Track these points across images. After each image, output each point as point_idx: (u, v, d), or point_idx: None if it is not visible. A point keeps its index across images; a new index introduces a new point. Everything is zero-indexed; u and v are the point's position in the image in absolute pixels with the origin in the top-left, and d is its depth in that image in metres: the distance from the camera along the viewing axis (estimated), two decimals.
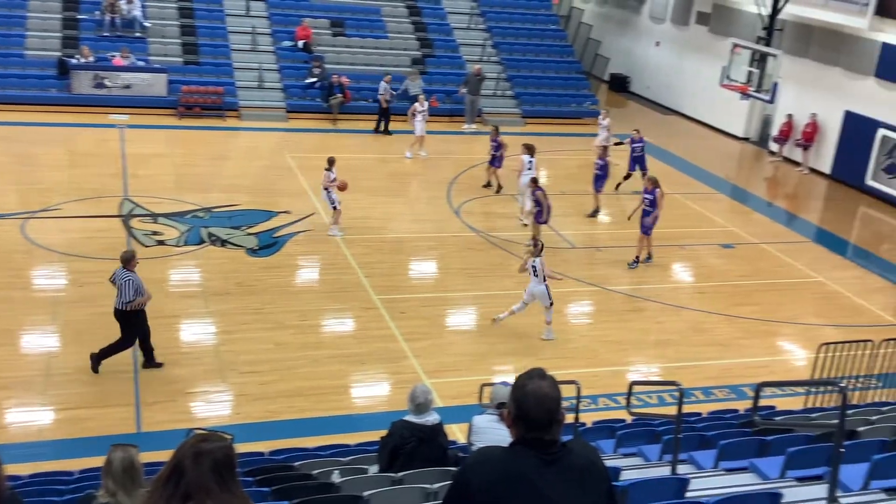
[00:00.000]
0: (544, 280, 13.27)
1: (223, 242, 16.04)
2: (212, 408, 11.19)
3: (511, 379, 8.42)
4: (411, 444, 6.63)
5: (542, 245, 13.72)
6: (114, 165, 19.54)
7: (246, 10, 27.00)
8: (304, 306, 13.94)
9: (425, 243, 17.11)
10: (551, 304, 13.39)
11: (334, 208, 16.70)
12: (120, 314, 11.23)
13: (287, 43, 26.46)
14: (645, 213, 16.18)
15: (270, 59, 26.09)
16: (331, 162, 16.72)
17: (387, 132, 24.12)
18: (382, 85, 24.15)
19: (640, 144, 20.35)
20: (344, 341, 13.11)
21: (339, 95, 24.73)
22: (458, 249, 16.82)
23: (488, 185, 20.19)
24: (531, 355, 12.94)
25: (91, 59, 23.82)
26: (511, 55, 28.53)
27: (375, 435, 8.00)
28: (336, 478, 6.91)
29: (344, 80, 24.97)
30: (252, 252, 15.80)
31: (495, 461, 3.20)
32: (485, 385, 10.67)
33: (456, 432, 10.12)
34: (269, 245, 16.12)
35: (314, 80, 25.25)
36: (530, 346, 13.30)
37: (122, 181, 18.59)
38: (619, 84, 31.86)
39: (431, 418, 6.77)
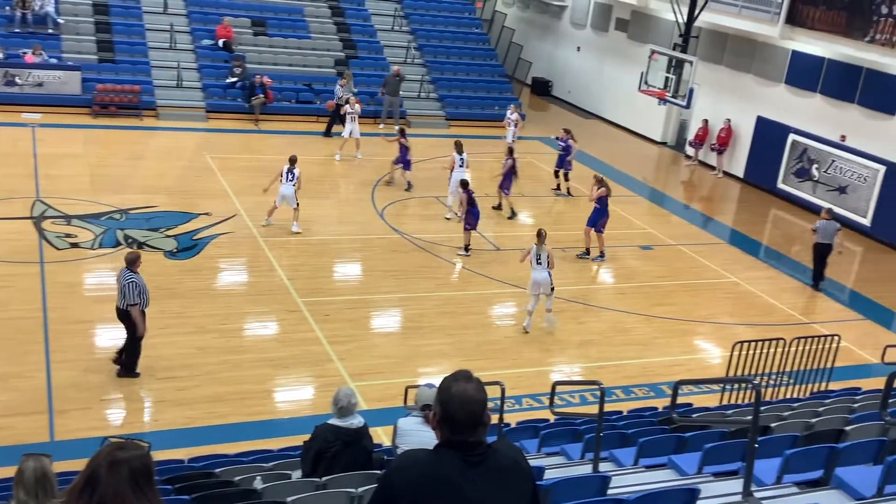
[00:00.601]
0: (548, 266, 13.83)
1: (140, 245, 15.63)
2: (128, 415, 10.89)
3: (436, 381, 8.42)
4: (335, 447, 6.57)
5: (545, 233, 14.13)
6: (25, 165, 18.85)
7: (164, 7, 26.39)
8: (225, 310, 13.69)
9: (350, 245, 17.01)
10: (553, 289, 13.96)
11: (296, 206, 16.90)
12: (124, 314, 11.21)
13: (207, 42, 25.96)
14: (599, 213, 17.14)
15: (189, 57, 25.56)
16: (292, 161, 17.03)
17: (328, 134, 24.04)
18: (339, 88, 24.12)
19: (563, 143, 20.93)
20: (267, 345, 12.92)
21: (261, 96, 24.39)
22: (382, 252, 16.77)
23: (390, 182, 20.70)
24: (456, 356, 12.99)
25: (1, 55, 22.94)
26: (435, 58, 28.61)
27: (299, 439, 7.91)
28: (258, 484, 6.80)
29: (266, 80, 24.64)
30: (171, 255, 15.45)
31: (420, 464, 3.19)
32: (410, 387, 10.66)
33: (381, 435, 10.08)
34: (188, 247, 15.79)
35: (235, 79, 24.84)
36: (455, 348, 13.35)
37: (33, 182, 17.94)
38: (542, 88, 32.28)
39: (356, 421, 6.73)
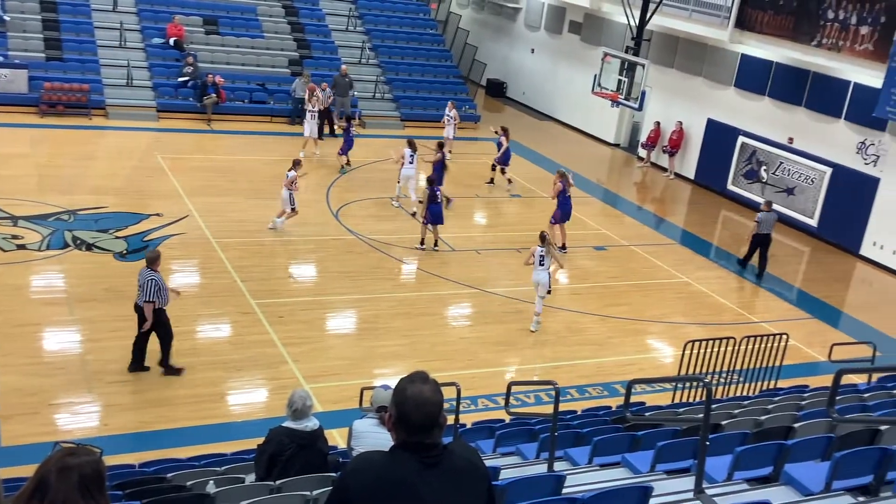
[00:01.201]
0: (549, 268, 14.26)
1: (89, 246, 15.34)
2: (78, 419, 10.67)
3: (392, 382, 8.40)
4: (290, 450, 6.51)
5: (548, 235, 14.57)
6: None
7: (113, 5, 25.93)
8: (177, 312, 13.41)
9: (304, 246, 16.89)
10: (549, 292, 14.36)
11: (293, 209, 17.06)
12: (141, 311, 11.34)
13: (157, 40, 25.59)
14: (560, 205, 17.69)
15: (140, 56, 25.16)
16: (295, 163, 17.19)
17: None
18: (318, 93, 23.92)
19: (498, 141, 21.36)
20: (220, 347, 12.77)
21: (213, 95, 24.11)
22: (337, 252, 16.69)
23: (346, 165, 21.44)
24: (412, 358, 12.98)
25: None
26: (390, 58, 28.56)
27: (253, 443, 7.84)
28: (211, 488, 6.71)
29: (218, 79, 24.36)
30: (121, 256, 15.18)
31: (375, 466, 3.17)
32: (365, 389, 10.63)
33: (336, 437, 10.03)
34: (139, 249, 15.52)
35: (186, 78, 24.52)
36: (410, 349, 13.33)
37: None
38: (496, 89, 32.41)
39: (311, 424, 6.68)
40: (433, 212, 16.92)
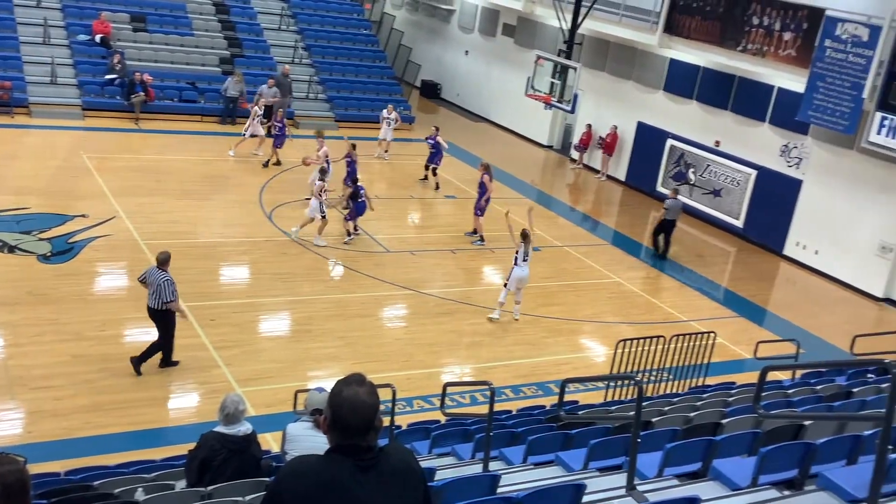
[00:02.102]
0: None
1: (11, 248, 14.85)
2: (0, 427, 10.31)
3: (327, 385, 8.33)
4: (222, 455, 6.40)
5: (530, 233, 14.85)
6: None
7: (37, 0, 25.16)
8: (104, 316, 13.15)
9: (236, 248, 16.63)
10: (505, 284, 14.94)
11: (323, 218, 16.90)
12: (157, 313, 11.51)
13: (83, 37, 24.91)
14: (480, 196, 18.21)
15: (64, 53, 24.45)
16: (323, 171, 17.21)
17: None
18: (263, 88, 23.73)
19: (432, 141, 21.49)
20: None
21: (141, 94, 23.58)
22: (270, 254, 16.48)
23: (277, 163, 21.51)
24: (346, 359, 12.90)
25: None
26: (323, 58, 28.35)
27: (184, 449, 7.68)
28: (140, 496, 6.55)
29: (146, 77, 23.85)
30: (44, 258, 14.73)
31: (310, 470, 3.14)
32: (299, 392, 10.52)
33: (270, 441, 9.90)
34: (63, 251, 15.09)
35: (113, 76, 23.92)
36: (345, 351, 13.24)
37: None
38: (431, 90, 32.45)
39: (243, 428, 6.57)
40: (357, 208, 17.29)
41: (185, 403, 11.50)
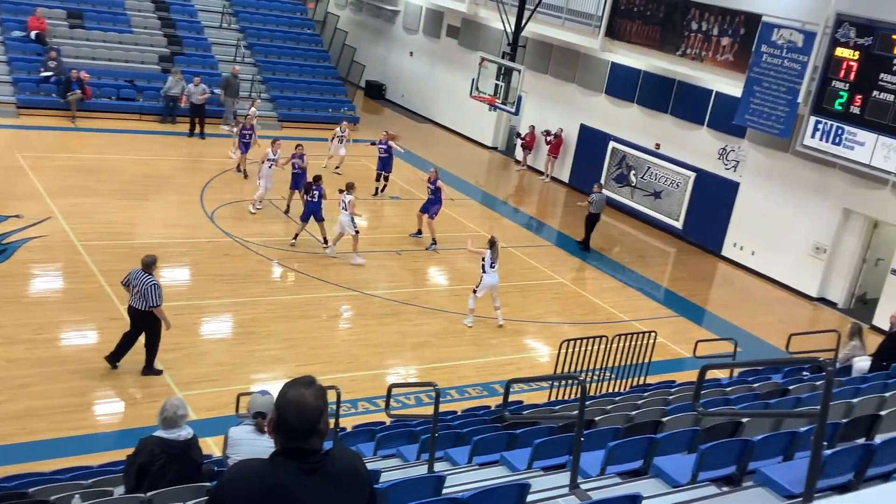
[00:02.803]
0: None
1: None
2: None
3: (271, 387, 8.23)
4: (161, 460, 6.28)
5: (498, 241, 15.10)
6: None
7: None
8: (39, 319, 12.81)
9: (177, 249, 16.34)
10: (474, 291, 15.09)
11: (356, 232, 16.66)
12: (140, 315, 11.50)
13: (18, 33, 24.23)
14: (432, 202, 18.22)
15: None
16: (349, 187, 16.91)
17: (201, 136, 23.18)
18: (190, 87, 23.20)
19: (385, 146, 21.11)
20: (86, 355, 12.17)
21: (78, 92, 23.04)
22: (212, 255, 16.24)
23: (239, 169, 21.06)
24: (291, 362, 12.78)
25: None
26: (266, 57, 28.04)
27: (122, 454, 7.51)
28: (77, 502, 6.40)
29: (83, 75, 23.31)
30: None
31: (253, 474, 3.10)
32: (242, 395, 10.38)
33: (211, 446, 9.75)
34: None
35: (49, 74, 23.33)
36: (289, 353, 13.12)
37: None
38: (375, 91, 32.35)
39: (183, 433, 6.46)
40: (307, 208, 17.19)
41: (124, 408, 11.26)
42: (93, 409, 11.04)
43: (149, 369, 11.85)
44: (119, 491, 6.66)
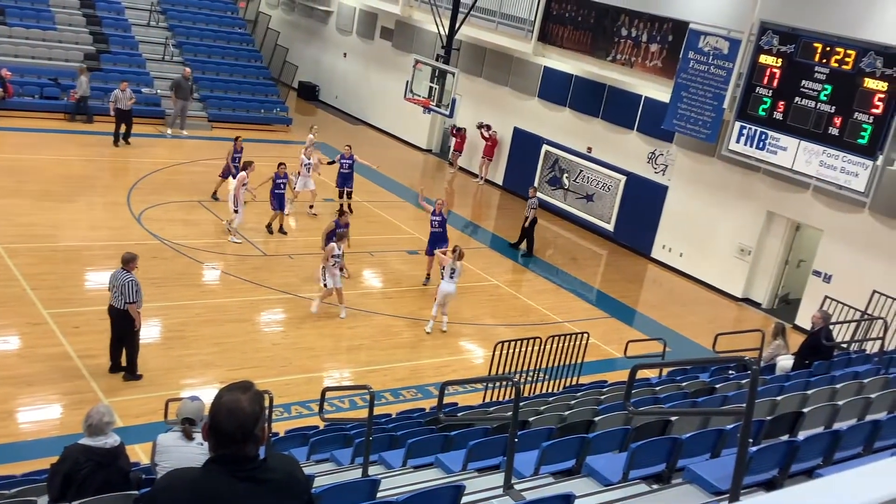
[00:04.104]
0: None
1: None
2: None
3: (201, 392, 8.08)
4: (86, 469, 6.10)
5: (461, 251, 15.09)
6: None
7: None
8: None
9: (102, 252, 15.91)
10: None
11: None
12: (122, 314, 11.39)
13: None
14: (438, 238, 16.99)
15: None
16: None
17: (126, 141, 22.44)
18: (115, 93, 22.26)
19: (349, 161, 20.34)
20: (7, 361, 11.78)
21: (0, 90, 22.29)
22: (140, 259, 15.80)
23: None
24: (222, 366, 12.57)
25: None
26: (196, 56, 27.56)
27: (46, 462, 7.28)
28: None
29: (4, 72, 22.56)
30: None
31: (185, 482, 3.03)
32: (171, 400, 10.17)
33: (139, 453, 9.52)
34: None
35: None
36: (221, 357, 12.90)
37: None
38: (308, 92, 32.07)
39: (110, 440, 6.29)
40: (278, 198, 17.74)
41: (47, 415, 10.91)
42: (15, 416, 10.68)
43: (131, 374, 11.71)
44: (43, 501, 6.46)
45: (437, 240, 16.96)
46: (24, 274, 14.19)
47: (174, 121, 24.31)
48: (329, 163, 20.74)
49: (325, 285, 14.81)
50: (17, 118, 22.59)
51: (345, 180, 20.51)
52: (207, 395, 7.17)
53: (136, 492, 6.14)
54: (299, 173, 19.35)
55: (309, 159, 19.27)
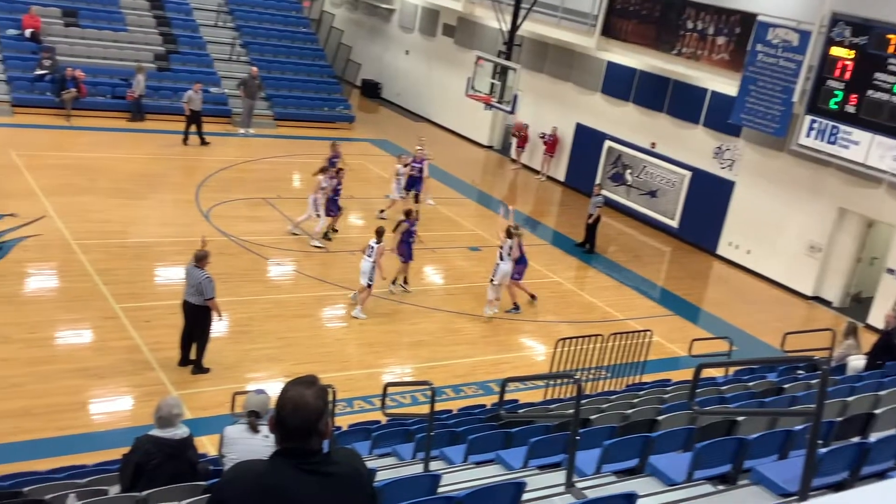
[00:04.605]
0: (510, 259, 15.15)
1: None
2: None
3: (266, 386, 8.22)
4: (156, 459, 6.27)
5: (510, 228, 15.40)
6: None
7: None
8: (33, 318, 12.78)
9: (172, 248, 16.30)
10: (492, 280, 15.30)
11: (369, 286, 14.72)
12: (196, 309, 11.71)
13: (12, 31, 24.17)
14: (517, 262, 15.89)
15: None
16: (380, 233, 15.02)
17: (204, 141, 22.84)
18: (188, 93, 22.74)
19: (418, 164, 19.96)
20: (81, 354, 12.16)
21: (73, 90, 22.98)
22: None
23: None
24: (285, 361, 12.77)
25: None
26: (262, 56, 28.00)
27: (118, 453, 7.50)
28: (72, 501, 6.39)
29: (78, 73, 23.25)
30: None
31: (252, 475, 3.09)
32: (237, 394, 10.38)
33: (207, 445, 9.74)
34: None
35: (44, 72, 23.27)
36: (284, 352, 13.10)
37: None
38: (371, 90, 32.32)
39: (179, 432, 6.45)
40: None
41: (118, 407, 11.23)
42: (88, 408, 11.02)
43: (198, 368, 11.99)
44: (114, 490, 6.65)
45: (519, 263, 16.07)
46: (97, 269, 14.62)
47: (243, 119, 24.73)
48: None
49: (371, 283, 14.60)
50: (90, 118, 23.27)
51: (412, 183, 19.94)
52: (272, 388, 7.30)
53: (204, 482, 6.29)
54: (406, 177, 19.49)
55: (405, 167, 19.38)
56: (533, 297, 16.41)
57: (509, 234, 15.31)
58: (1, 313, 12.68)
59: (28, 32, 24.12)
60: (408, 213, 16.11)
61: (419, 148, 20.37)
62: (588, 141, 24.35)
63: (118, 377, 11.68)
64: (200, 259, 11.74)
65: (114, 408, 11.19)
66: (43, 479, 7.88)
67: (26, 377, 11.21)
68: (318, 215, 17.35)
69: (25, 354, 11.75)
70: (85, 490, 6.88)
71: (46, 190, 17.70)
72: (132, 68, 24.86)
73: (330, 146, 19.89)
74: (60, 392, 11.05)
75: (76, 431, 10.41)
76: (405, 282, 16.06)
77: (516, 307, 15.93)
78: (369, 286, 14.63)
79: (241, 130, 24.44)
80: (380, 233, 14.85)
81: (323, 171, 17.86)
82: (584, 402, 8.32)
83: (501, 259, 15.22)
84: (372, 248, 14.54)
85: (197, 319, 11.88)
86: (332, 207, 17.74)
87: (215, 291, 11.82)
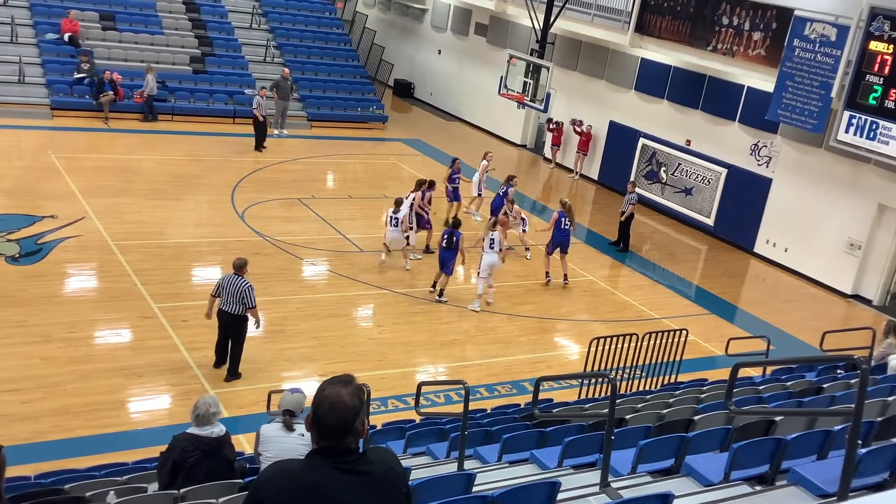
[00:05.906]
0: (500, 251, 15.37)
1: None
2: None
3: (301, 385, 8.28)
4: (194, 457, 6.35)
5: (496, 220, 15.88)
6: None
7: None
8: (73, 317, 12.99)
9: (208, 248, 16.50)
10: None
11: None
12: (233, 319, 11.67)
13: (51, 35, 24.60)
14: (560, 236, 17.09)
15: (32, 52, 24.13)
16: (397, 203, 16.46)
17: (260, 147, 23.02)
18: (256, 99, 22.96)
19: (503, 191, 19.34)
20: (119, 353, 12.34)
21: (111, 93, 23.33)
22: (243, 254, 16.27)
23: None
24: (320, 360, 12.85)
25: None
26: (295, 57, 28.21)
27: (156, 451, 7.60)
28: (112, 498, 6.49)
29: (116, 76, 23.60)
30: (13, 260, 14.52)
31: (289, 474, 3.12)
32: (273, 392, 10.46)
33: (243, 443, 9.84)
34: (32, 252, 14.89)
35: (82, 75, 23.65)
36: (319, 351, 13.18)
37: None
38: (404, 90, 32.41)
39: (216, 430, 6.52)
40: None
41: (156, 405, 11.38)
42: (127, 406, 11.17)
43: (233, 374, 11.95)
44: (153, 487, 6.75)
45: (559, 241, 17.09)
46: (135, 269, 14.83)
47: (276, 121, 24.90)
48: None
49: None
50: (127, 120, 23.60)
51: (455, 195, 19.71)
52: (307, 387, 7.35)
53: (240, 480, 6.35)
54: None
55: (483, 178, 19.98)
56: (556, 279, 17.06)
57: (493, 225, 15.67)
58: (41, 313, 12.91)
59: (66, 36, 24.53)
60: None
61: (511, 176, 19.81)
62: (622, 139, 24.19)
63: (156, 376, 11.83)
64: (240, 268, 11.70)
65: (152, 406, 11.34)
66: (83, 476, 8.01)
67: (66, 376, 11.41)
68: (412, 228, 17.08)
69: (65, 354, 11.95)
70: (124, 487, 6.98)
71: (85, 191, 17.98)
72: (170, 71, 25.19)
73: (451, 161, 19.89)
74: (100, 391, 11.22)
75: (115, 430, 10.56)
76: (433, 286, 15.98)
77: (565, 279, 17.02)
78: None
79: (275, 131, 24.60)
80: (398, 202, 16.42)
81: (429, 186, 17.65)
82: (618, 401, 8.27)
83: (483, 251, 15.40)
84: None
85: (234, 329, 11.86)
86: (423, 222, 17.58)
87: (255, 302, 11.78)
